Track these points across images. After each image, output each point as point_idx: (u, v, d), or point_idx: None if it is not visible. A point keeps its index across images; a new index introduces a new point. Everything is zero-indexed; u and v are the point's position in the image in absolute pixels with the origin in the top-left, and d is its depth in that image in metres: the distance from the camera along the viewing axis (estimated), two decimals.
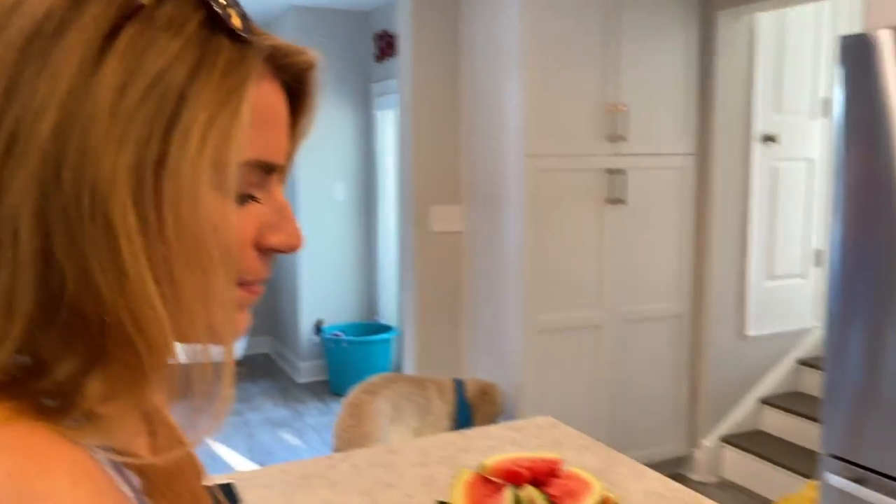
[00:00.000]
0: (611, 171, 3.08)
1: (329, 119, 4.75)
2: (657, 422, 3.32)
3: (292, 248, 0.47)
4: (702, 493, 1.15)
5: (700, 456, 3.37)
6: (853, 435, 1.91)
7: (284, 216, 0.46)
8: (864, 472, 1.87)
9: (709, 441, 3.37)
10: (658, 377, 3.30)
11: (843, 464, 1.92)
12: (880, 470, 1.84)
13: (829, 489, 1.95)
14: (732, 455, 3.34)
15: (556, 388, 3.09)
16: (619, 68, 3.05)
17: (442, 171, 3.31)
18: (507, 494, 0.80)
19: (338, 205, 4.86)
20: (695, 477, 3.36)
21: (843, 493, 1.90)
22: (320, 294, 4.84)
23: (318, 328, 4.77)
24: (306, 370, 4.85)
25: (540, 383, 3.05)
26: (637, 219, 3.17)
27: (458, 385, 3.00)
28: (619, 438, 3.09)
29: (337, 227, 4.87)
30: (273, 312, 5.32)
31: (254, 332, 5.24)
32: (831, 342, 1.97)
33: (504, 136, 3.05)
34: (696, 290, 3.34)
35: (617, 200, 3.10)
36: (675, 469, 3.35)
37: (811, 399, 3.30)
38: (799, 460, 3.05)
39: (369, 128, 4.86)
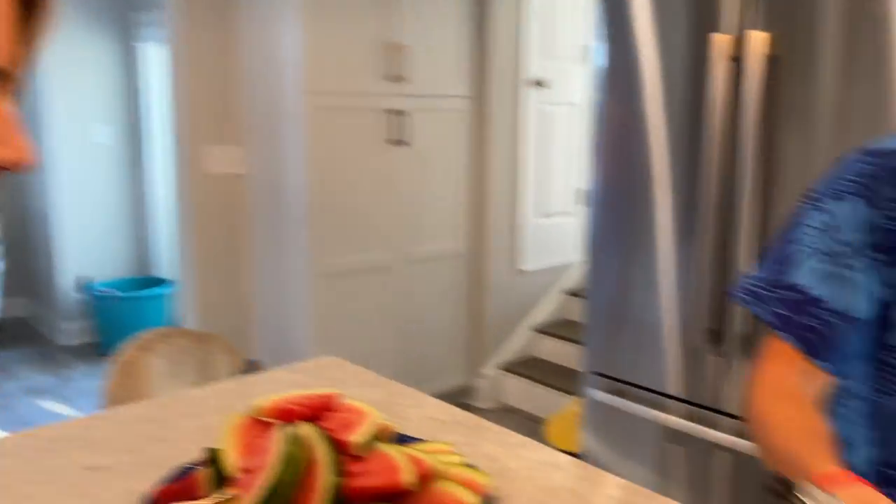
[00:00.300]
0: (392, 112, 3.07)
1: (83, 50, 4.24)
2: (443, 356, 3.46)
3: (19, 165, 0.39)
4: (484, 418, 1.20)
5: (482, 384, 3.58)
6: (610, 353, 2.11)
7: (8, 128, 0.38)
8: (620, 385, 2.09)
9: (489, 370, 3.58)
10: (442, 314, 3.43)
11: (602, 379, 2.12)
12: (633, 382, 2.05)
13: (591, 403, 2.15)
14: (511, 381, 3.58)
15: (346, 332, 3.09)
16: (399, 8, 3.02)
17: (218, 109, 3.11)
18: (279, 433, 0.77)
19: (100, 149, 4.40)
20: (478, 404, 3.57)
21: (603, 404, 2.11)
22: (84, 249, 4.40)
23: (83, 285, 4.34)
24: (71, 332, 4.41)
25: (330, 328, 3.03)
26: (420, 160, 3.21)
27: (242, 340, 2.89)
28: (409, 374, 3.18)
29: (100, 173, 4.42)
30: (27, 271, 4.75)
31: (5, 292, 4.65)
32: (590, 273, 2.15)
33: (283, 72, 2.92)
34: (475, 229, 3.48)
35: (399, 142, 3.11)
36: (460, 398, 3.53)
37: (578, 325, 3.62)
38: (569, 381, 3.35)
39: (131, 62, 4.42)
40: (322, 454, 0.78)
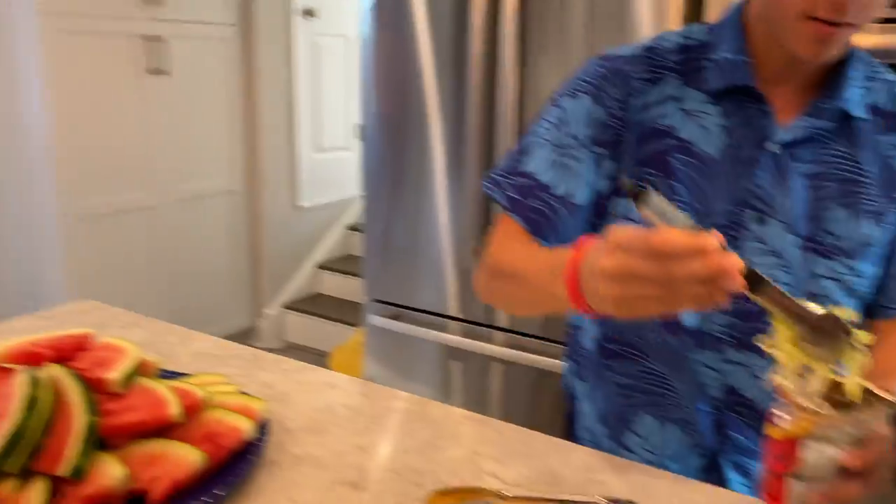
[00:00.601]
0: (149, 38, 2.82)
1: None
2: (222, 298, 3.33)
3: None
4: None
5: (264, 325, 3.51)
6: (388, 281, 2.16)
7: None
8: (399, 310, 2.15)
9: (272, 309, 3.52)
10: (219, 254, 3.28)
11: (382, 306, 2.18)
12: (409, 305, 2.13)
13: (373, 329, 2.20)
14: (294, 319, 3.55)
15: (109, 278, 2.85)
16: None
17: None
18: (22, 377, 0.69)
19: None
20: (261, 344, 3.50)
21: (383, 330, 2.17)
22: None
23: None
24: None
25: (88, 275, 2.77)
26: (183, 92, 2.99)
27: None
28: (185, 319, 3.01)
29: None
30: None
31: None
32: (367, 205, 2.17)
33: None
34: (248, 165, 3.34)
35: (159, 71, 2.87)
36: (242, 340, 3.41)
37: (360, 259, 3.65)
38: (354, 314, 3.39)
39: None
40: (74, 395, 0.72)
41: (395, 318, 2.15)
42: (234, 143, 3.25)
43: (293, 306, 3.56)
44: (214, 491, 0.72)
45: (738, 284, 0.55)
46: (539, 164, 0.86)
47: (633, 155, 0.85)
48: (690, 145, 0.83)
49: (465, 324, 2.06)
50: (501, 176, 0.89)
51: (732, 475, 0.88)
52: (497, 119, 1.88)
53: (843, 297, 0.84)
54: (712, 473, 0.89)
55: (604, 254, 0.56)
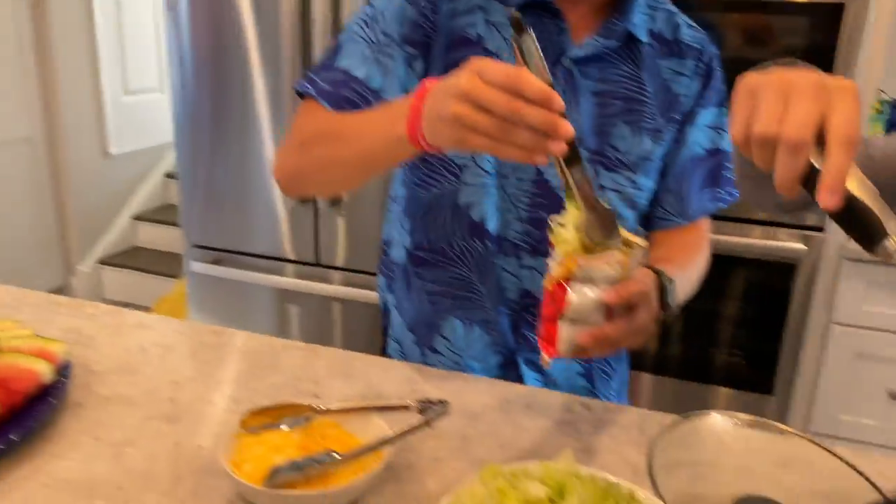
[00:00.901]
0: None
1: None
2: (24, 255, 3.05)
3: None
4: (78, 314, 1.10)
5: (77, 282, 3.27)
6: (211, 225, 2.08)
7: None
8: (218, 254, 2.08)
9: (85, 266, 3.28)
10: (18, 208, 2.99)
11: (203, 251, 2.10)
12: (230, 248, 2.07)
13: (194, 276, 2.12)
14: (111, 275, 3.33)
15: None
16: None
17: None
18: None
19: None
20: None
21: (205, 276, 2.09)
22: None
23: None
24: None
25: None
26: None
27: None
28: None
29: None
30: None
31: None
32: (183, 149, 2.06)
33: None
34: (46, 111, 3.04)
35: None
36: None
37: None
38: (176, 266, 3.23)
39: None
40: None
41: (216, 262, 2.08)
42: (26, 86, 2.93)
43: (109, 261, 3.33)
44: (10, 436, 0.68)
45: (562, 149, 0.59)
46: (353, 61, 0.86)
47: (442, 60, 0.87)
48: (496, 56, 0.86)
49: (299, 265, 2.04)
50: (315, 73, 0.88)
51: (527, 371, 0.96)
52: (313, 50, 1.84)
53: (624, 208, 0.92)
54: (510, 370, 0.96)
55: (462, 76, 0.59)
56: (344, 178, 0.84)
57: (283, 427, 0.68)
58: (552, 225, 0.65)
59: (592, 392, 0.99)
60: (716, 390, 1.90)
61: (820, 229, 1.73)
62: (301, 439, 0.67)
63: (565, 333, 0.65)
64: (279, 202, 1.98)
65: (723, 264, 1.80)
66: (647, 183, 0.93)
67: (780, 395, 1.86)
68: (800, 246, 1.73)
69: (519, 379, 0.96)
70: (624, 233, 0.66)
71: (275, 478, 0.59)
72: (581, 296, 0.64)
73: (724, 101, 0.95)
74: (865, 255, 1.75)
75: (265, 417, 0.68)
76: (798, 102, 0.49)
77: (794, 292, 1.78)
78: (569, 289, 0.64)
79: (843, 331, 1.81)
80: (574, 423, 0.83)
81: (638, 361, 1.93)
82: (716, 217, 1.01)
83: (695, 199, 0.96)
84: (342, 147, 0.78)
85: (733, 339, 1.86)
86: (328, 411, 0.70)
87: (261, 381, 0.87)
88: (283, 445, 0.66)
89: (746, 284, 1.81)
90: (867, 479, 0.71)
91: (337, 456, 0.62)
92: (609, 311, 0.66)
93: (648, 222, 0.98)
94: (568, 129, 0.58)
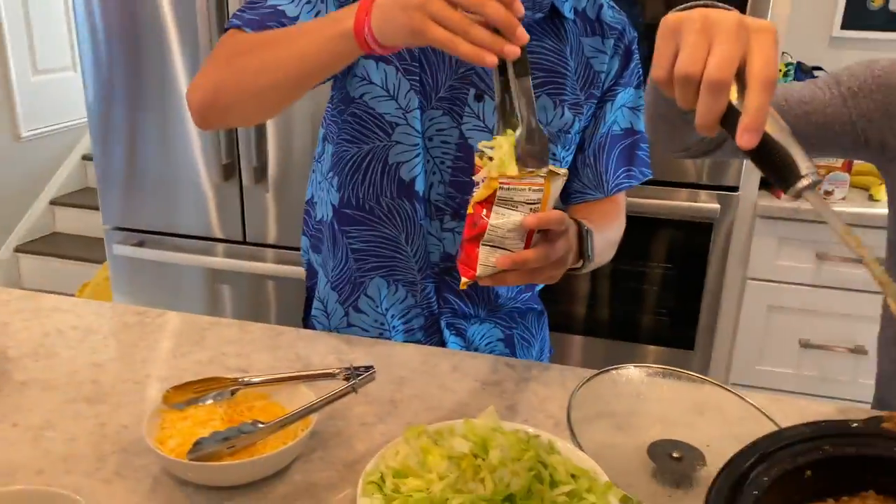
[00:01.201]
0: None
1: None
2: None
3: None
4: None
5: None
6: (130, 207, 2.02)
7: None
8: (141, 235, 2.03)
9: (0, 254, 3.14)
10: None
11: (124, 233, 2.04)
12: (153, 230, 2.01)
13: (117, 260, 2.06)
14: (29, 262, 3.20)
15: None
16: None
17: None
18: None
19: None
20: None
21: (128, 258, 2.03)
22: None
23: None
24: None
25: None
26: None
27: None
28: None
29: None
30: None
31: None
32: (96, 132, 1.98)
33: None
34: None
35: None
36: None
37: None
38: (97, 250, 3.13)
39: None
40: None
41: (139, 244, 2.02)
42: None
43: (26, 248, 3.19)
44: None
45: (515, 53, 0.60)
46: (282, 0, 0.85)
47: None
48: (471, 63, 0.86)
49: (228, 244, 1.99)
50: (241, 10, 0.85)
51: (450, 336, 0.98)
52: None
53: None
54: (433, 333, 0.98)
55: None
56: (272, 90, 0.78)
57: (209, 401, 0.68)
58: (480, 149, 0.66)
59: (513, 358, 1.02)
60: (643, 348, 1.97)
61: (735, 189, 1.80)
62: (227, 412, 0.68)
63: (484, 256, 0.66)
64: (204, 180, 1.94)
65: (645, 226, 1.85)
66: (566, 155, 0.96)
67: (702, 350, 1.95)
68: (715, 205, 1.80)
69: (441, 343, 0.98)
70: (550, 166, 0.67)
71: (198, 450, 0.59)
72: (501, 217, 0.65)
73: (641, 84, 0.98)
74: (777, 212, 1.85)
75: (189, 392, 0.68)
76: (720, 43, 0.50)
77: (712, 251, 1.85)
78: (489, 210, 0.65)
79: (758, 285, 1.90)
80: (499, 382, 0.85)
81: (568, 324, 1.99)
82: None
83: (611, 174, 0.99)
84: (275, 51, 0.75)
85: (658, 299, 1.93)
86: (253, 383, 0.70)
87: (186, 358, 0.87)
88: (209, 419, 0.66)
89: (668, 246, 1.88)
90: (770, 418, 0.76)
91: (260, 425, 0.62)
92: (529, 238, 0.67)
93: (568, 196, 1.01)
94: (524, 34, 0.60)
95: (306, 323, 1.07)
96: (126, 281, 2.10)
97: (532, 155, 0.64)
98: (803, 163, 0.48)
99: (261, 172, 1.89)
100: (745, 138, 0.48)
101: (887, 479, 0.50)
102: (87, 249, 3.16)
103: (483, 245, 0.66)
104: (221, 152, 1.88)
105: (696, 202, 1.81)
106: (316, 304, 1.04)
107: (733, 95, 0.50)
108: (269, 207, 1.93)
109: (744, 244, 1.86)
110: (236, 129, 1.86)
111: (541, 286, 1.07)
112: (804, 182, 0.48)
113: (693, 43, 0.51)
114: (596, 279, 1.94)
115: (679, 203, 1.81)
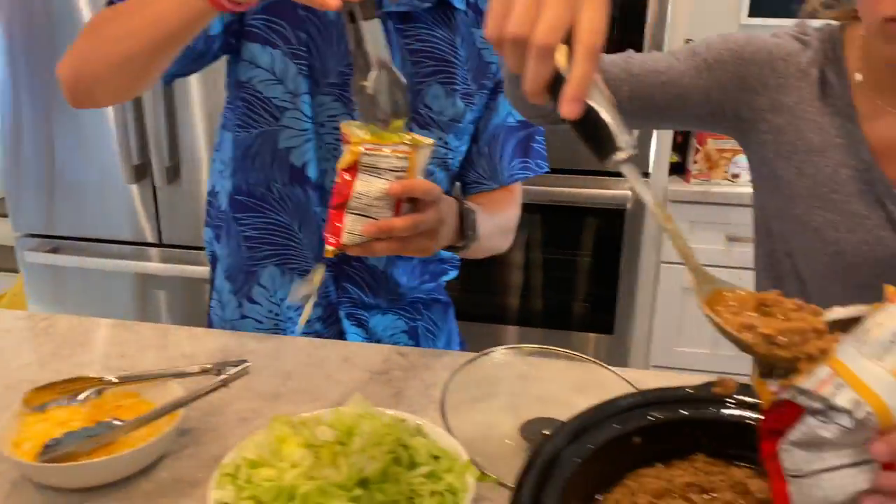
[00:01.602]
0: None
1: None
2: None
3: None
4: None
5: None
6: (41, 213, 1.96)
7: None
8: (57, 241, 1.97)
9: None
10: None
11: (38, 240, 1.98)
12: (70, 235, 1.96)
13: (30, 267, 2.00)
14: None
15: None
16: None
17: None
18: None
19: None
20: None
21: (43, 266, 1.98)
22: None
23: None
24: None
25: None
26: None
27: None
28: None
29: None
30: None
31: None
32: (8, 133, 1.91)
33: None
34: None
35: None
36: None
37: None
38: (10, 259, 3.02)
39: None
40: None
41: (54, 250, 1.96)
42: None
43: None
44: None
45: None
46: None
47: (266, 2, 0.85)
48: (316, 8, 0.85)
49: (148, 248, 1.94)
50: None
51: (349, 326, 0.97)
52: None
53: (436, 169, 0.95)
54: (332, 324, 0.98)
55: None
56: (131, 59, 0.75)
57: (71, 402, 0.67)
58: (345, 121, 0.66)
59: (406, 347, 1.02)
60: (576, 335, 2.00)
61: (646, 175, 1.84)
62: (91, 412, 0.66)
63: (350, 224, 0.66)
64: (118, 183, 1.88)
65: (559, 215, 1.89)
66: (459, 145, 0.97)
67: (622, 334, 1.99)
68: (627, 192, 1.83)
69: (341, 334, 0.98)
70: (413, 135, 0.68)
71: (49, 451, 0.58)
72: (366, 184, 0.65)
73: None
74: (688, 196, 1.90)
75: (51, 394, 0.67)
76: (549, 6, 0.47)
77: (626, 237, 1.90)
78: (354, 177, 0.65)
79: (672, 269, 1.95)
80: (388, 371, 0.86)
81: (499, 314, 2.01)
82: (550, 169, 1.05)
83: (506, 165, 1.00)
84: (132, 18, 0.73)
85: (578, 286, 1.96)
86: (118, 382, 0.69)
87: (65, 361, 0.85)
88: (70, 420, 0.65)
89: (583, 234, 1.91)
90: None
91: (118, 423, 0.61)
92: (398, 208, 0.67)
93: (464, 186, 1.01)
94: None
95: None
96: (47, 290, 2.04)
97: (390, 97, 0.65)
98: (622, 136, 0.48)
99: (173, 172, 1.86)
100: (566, 107, 0.47)
101: (716, 443, 0.52)
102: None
103: (349, 213, 0.66)
104: (132, 153, 1.83)
105: (608, 189, 1.85)
106: (214, 295, 1.02)
107: (563, 62, 0.48)
108: (183, 208, 1.90)
109: (656, 229, 1.91)
110: (145, 128, 1.81)
111: (447, 277, 1.08)
112: (621, 155, 0.48)
113: (523, 3, 0.48)
114: (516, 269, 1.96)
115: (591, 191, 1.84)
